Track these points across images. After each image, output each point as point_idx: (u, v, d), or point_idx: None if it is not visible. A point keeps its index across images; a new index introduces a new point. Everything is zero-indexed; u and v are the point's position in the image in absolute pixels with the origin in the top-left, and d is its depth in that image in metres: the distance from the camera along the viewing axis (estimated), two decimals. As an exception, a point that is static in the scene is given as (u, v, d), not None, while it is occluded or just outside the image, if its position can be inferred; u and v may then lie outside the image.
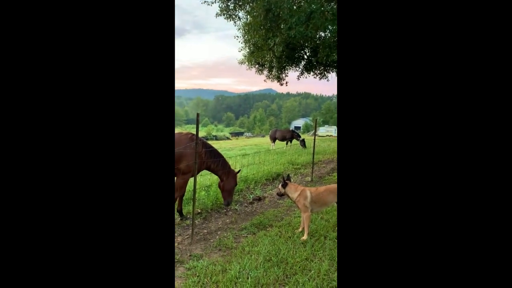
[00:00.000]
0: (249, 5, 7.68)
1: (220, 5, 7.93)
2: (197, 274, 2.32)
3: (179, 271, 2.42)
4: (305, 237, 2.99)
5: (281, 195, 3.30)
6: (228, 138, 37.73)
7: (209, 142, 4.76)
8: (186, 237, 3.17)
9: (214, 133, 43.87)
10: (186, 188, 3.73)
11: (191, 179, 3.52)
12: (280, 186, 3.24)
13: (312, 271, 2.35)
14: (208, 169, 3.77)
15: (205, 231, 3.39)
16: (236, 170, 3.92)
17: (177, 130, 4.51)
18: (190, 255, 2.71)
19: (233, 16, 8.26)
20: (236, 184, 3.85)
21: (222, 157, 3.84)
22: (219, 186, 3.84)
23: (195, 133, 3.15)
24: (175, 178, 3.50)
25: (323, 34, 7.39)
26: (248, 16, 7.92)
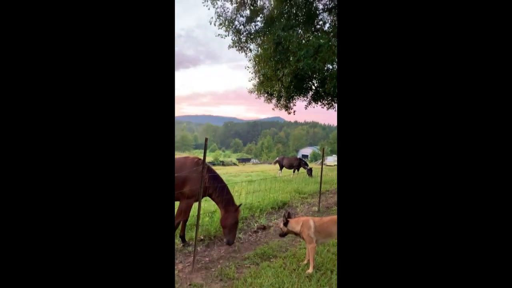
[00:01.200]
0: (260, 38, 8.12)
1: (233, 38, 8.41)
2: (196, 306, 2.21)
3: (177, 301, 2.32)
4: (310, 270, 2.86)
5: (283, 235, 3.18)
6: (235, 164, 37.74)
7: (216, 167, 4.73)
8: (187, 264, 3.07)
9: (221, 159, 44.03)
10: (190, 214, 3.68)
11: (195, 204, 3.48)
12: (282, 225, 3.15)
13: (317, 309, 2.22)
14: (210, 196, 3.68)
15: (207, 259, 3.28)
16: (238, 204, 3.71)
17: (185, 154, 4.57)
18: (190, 284, 2.61)
19: (245, 48, 8.71)
20: (237, 220, 3.63)
21: (225, 184, 3.74)
22: (221, 222, 3.64)
23: (202, 157, 3.19)
24: (179, 202, 3.48)
25: (330, 67, 7.64)
26: (259, 49, 8.32)
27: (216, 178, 3.70)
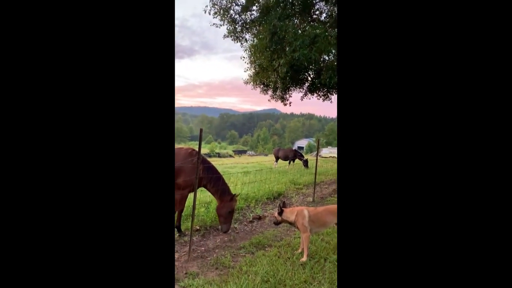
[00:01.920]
0: (256, 28, 8.01)
1: (228, 28, 8.27)
2: (192, 293, 2.25)
3: (173, 289, 2.35)
4: (304, 258, 2.91)
5: (278, 223, 3.25)
6: (230, 156, 37.73)
7: (212, 159, 4.69)
8: (183, 254, 3.10)
9: (217, 150, 44.04)
10: (186, 204, 3.69)
11: (191, 195, 3.49)
12: (276, 214, 3.20)
13: (311, 295, 2.27)
14: (205, 186, 3.69)
15: (203, 248, 3.32)
16: (233, 194, 3.72)
17: (181, 146, 4.55)
18: (186, 273, 2.64)
19: (240, 38, 8.60)
20: (232, 209, 3.65)
21: (220, 174, 3.73)
22: (217, 210, 3.69)
23: (197, 149, 3.17)
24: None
25: (326, 58, 7.60)
26: (255, 39, 8.22)
27: (211, 168, 3.70)
